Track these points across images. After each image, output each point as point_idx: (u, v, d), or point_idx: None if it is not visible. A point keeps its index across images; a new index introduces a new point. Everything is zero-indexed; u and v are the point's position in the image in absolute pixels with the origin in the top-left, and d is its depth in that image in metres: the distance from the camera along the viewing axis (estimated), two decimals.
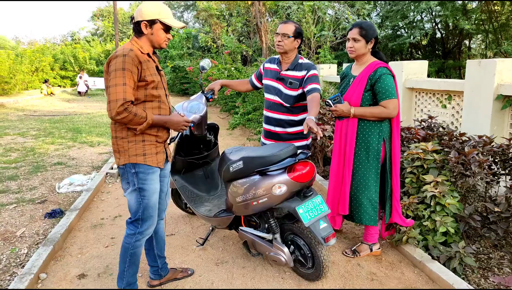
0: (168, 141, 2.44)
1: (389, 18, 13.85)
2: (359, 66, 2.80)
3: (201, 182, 3.42)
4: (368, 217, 2.81)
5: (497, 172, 3.18)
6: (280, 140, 3.03)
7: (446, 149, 3.30)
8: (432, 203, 2.97)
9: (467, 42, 16.60)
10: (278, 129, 3.06)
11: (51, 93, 19.15)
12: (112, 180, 5.17)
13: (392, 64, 5.19)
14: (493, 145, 3.14)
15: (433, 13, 14.20)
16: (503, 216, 2.86)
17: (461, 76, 14.61)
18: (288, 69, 2.97)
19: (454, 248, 2.77)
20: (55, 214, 3.88)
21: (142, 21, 2.17)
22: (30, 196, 4.46)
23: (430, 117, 3.97)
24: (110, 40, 34.87)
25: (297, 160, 2.41)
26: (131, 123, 2.10)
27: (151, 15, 2.15)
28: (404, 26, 14.59)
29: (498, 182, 3.20)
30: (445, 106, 4.68)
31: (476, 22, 13.35)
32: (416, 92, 5.20)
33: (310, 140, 3.07)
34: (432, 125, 3.95)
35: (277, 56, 3.13)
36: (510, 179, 3.14)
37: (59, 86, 24.83)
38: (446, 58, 15.42)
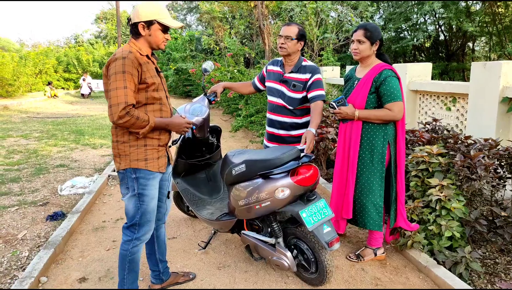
0: (169, 144, 2.41)
1: (392, 20, 13.83)
2: (363, 68, 2.77)
3: (203, 185, 3.39)
4: (372, 221, 2.77)
5: (503, 176, 3.13)
6: (284, 143, 3.00)
7: (451, 152, 3.26)
8: (437, 207, 2.93)
9: (470, 44, 16.56)
10: (281, 132, 3.03)
11: (55, 95, 19.22)
12: (114, 182, 5.15)
13: (395, 67, 5.15)
14: (499, 148, 3.10)
15: (437, 15, 14.18)
16: (510, 221, 2.81)
17: (464, 78, 14.56)
18: (291, 72, 2.94)
19: (460, 253, 2.73)
20: (57, 217, 3.86)
21: (139, 22, 2.12)
22: (32, 198, 4.45)
23: (435, 120, 3.93)
24: (114, 43, 35.03)
25: (300, 163, 2.38)
26: (133, 127, 2.07)
27: (148, 16, 2.11)
28: (407, 28, 14.57)
29: (504, 186, 3.15)
30: (449, 109, 4.64)
31: (480, 24, 13.31)
32: (420, 94, 5.17)
33: (316, 131, 3.02)
34: (437, 128, 3.91)
35: (280, 58, 3.11)
36: None
37: (63, 88, 24.94)
38: (450, 61, 15.38)
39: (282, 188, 2.35)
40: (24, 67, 18.64)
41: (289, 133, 3.00)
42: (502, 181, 3.15)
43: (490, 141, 3.15)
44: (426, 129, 3.94)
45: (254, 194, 2.43)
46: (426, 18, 14.42)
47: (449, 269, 2.72)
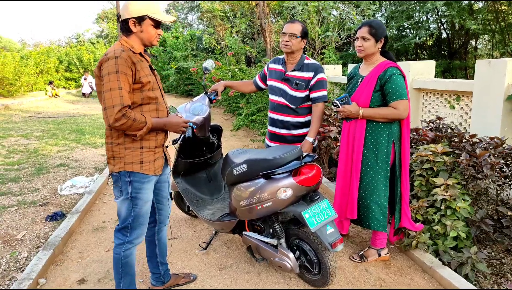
0: (166, 145, 2.34)
1: (394, 18, 13.74)
2: (367, 66, 2.71)
3: (204, 184, 3.35)
4: (376, 222, 2.72)
5: (509, 175, 3.08)
6: (286, 143, 2.95)
7: (456, 151, 3.20)
8: (442, 207, 2.87)
9: (473, 42, 16.45)
10: (283, 131, 2.98)
11: (56, 94, 19.20)
12: None
13: (399, 65, 5.09)
14: (504, 147, 3.04)
15: (439, 13, 14.08)
16: None
17: (467, 76, 14.47)
18: (294, 70, 2.89)
19: (466, 254, 2.68)
20: (57, 217, 3.82)
21: (129, 18, 2.03)
22: (32, 198, 4.41)
23: (439, 118, 3.88)
24: (115, 42, 34.99)
25: (303, 163, 2.33)
26: (130, 129, 1.99)
27: (139, 11, 2.02)
28: (410, 26, 14.48)
29: (510, 185, 3.10)
30: (453, 107, 4.58)
31: (482, 22, 13.20)
32: (424, 92, 5.10)
33: (316, 142, 2.99)
34: (440, 126, 3.85)
35: (281, 57, 3.06)
36: None
37: (64, 87, 24.93)
38: (452, 59, 15.28)
39: (284, 188, 2.30)
40: (25, 67, 18.62)
41: (291, 132, 2.95)
42: (507, 180, 3.09)
43: (495, 139, 3.10)
44: (430, 127, 3.89)
45: (255, 194, 2.38)
46: (428, 16, 14.32)
47: (455, 270, 2.67)
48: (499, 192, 3.15)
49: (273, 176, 2.35)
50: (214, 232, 3.25)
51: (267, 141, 3.16)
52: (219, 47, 14.51)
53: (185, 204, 3.59)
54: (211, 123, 3.15)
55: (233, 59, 11.45)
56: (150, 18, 2.05)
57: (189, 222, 3.73)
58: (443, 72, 13.95)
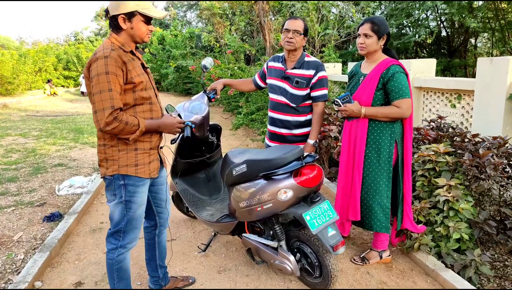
0: (161, 146, 2.27)
1: (394, 16, 13.69)
2: (369, 63, 2.66)
3: (203, 185, 3.30)
4: (379, 223, 2.67)
5: None
6: (286, 142, 2.90)
7: (458, 151, 3.15)
8: (445, 208, 2.83)
9: (473, 40, 16.41)
10: (283, 130, 2.93)
11: (54, 93, 19.14)
12: None
13: None
14: (507, 147, 3.00)
15: (439, 11, 14.03)
16: None
17: (467, 74, 14.44)
18: (294, 68, 2.84)
19: (469, 256, 2.63)
20: (54, 218, 3.77)
21: (119, 15, 1.93)
22: (29, 198, 4.36)
23: (440, 117, 3.83)
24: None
25: (304, 164, 2.28)
26: (122, 133, 1.91)
27: (128, 7, 1.91)
28: (409, 24, 14.43)
29: None
30: (454, 106, 4.54)
31: (482, 20, 13.15)
32: (424, 91, 5.06)
33: (317, 142, 2.94)
34: (442, 126, 3.81)
35: (281, 54, 3.00)
36: None
37: (62, 86, 24.85)
38: (452, 57, 15.24)
39: (284, 189, 2.25)
40: (23, 65, 18.54)
41: (292, 132, 2.90)
42: (511, 180, 3.05)
43: (498, 139, 3.05)
44: (431, 126, 3.84)
45: (255, 195, 2.33)
46: (428, 14, 14.26)
47: (458, 273, 2.62)
48: (502, 193, 3.11)
49: (273, 177, 2.30)
50: (213, 233, 3.21)
51: (267, 141, 3.11)
52: (218, 45, 14.45)
53: (183, 204, 3.54)
54: (210, 122, 3.10)
55: (232, 58, 11.40)
56: (140, 13, 1.95)
57: (188, 223, 3.69)
58: (442, 71, 13.91)
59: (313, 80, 2.79)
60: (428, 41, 16.50)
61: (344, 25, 11.01)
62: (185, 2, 29.20)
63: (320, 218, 2.27)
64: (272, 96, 2.98)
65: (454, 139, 3.39)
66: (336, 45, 11.93)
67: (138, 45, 2.10)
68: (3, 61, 16.40)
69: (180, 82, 17.70)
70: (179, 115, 2.38)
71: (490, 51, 16.14)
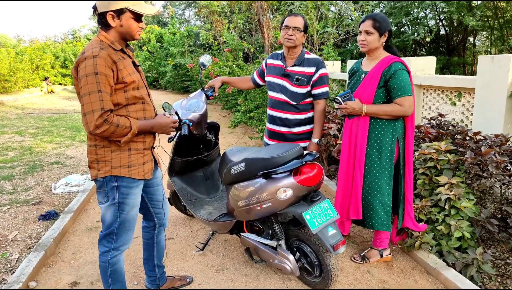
0: (154, 146, 2.20)
1: (393, 14, 13.65)
2: (370, 61, 2.61)
3: (200, 183, 3.25)
4: (380, 222, 2.63)
5: None
6: (285, 141, 2.85)
7: (460, 149, 3.12)
8: (446, 206, 2.79)
9: (471, 39, 16.39)
10: (283, 129, 2.88)
11: (51, 91, 19.02)
12: None
13: None
14: (509, 145, 2.96)
15: (438, 10, 14.00)
16: None
17: (465, 73, 14.42)
18: (294, 65, 2.79)
19: (471, 255, 2.60)
20: (50, 216, 3.72)
21: (107, 12, 1.83)
22: (25, 197, 4.31)
23: (441, 115, 3.79)
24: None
25: (303, 162, 2.23)
26: (113, 135, 1.84)
27: (117, 3, 1.82)
28: (408, 22, 14.40)
29: None
30: (454, 104, 4.50)
31: (481, 18, 13.13)
32: (424, 89, 5.02)
33: (321, 140, 2.90)
34: (442, 123, 3.77)
35: (280, 52, 2.95)
36: None
37: (60, 84, 24.74)
38: (451, 55, 15.23)
39: (284, 188, 2.21)
40: (20, 63, 18.40)
41: (291, 130, 2.86)
42: None
43: (501, 137, 3.01)
44: (431, 124, 3.80)
45: (254, 194, 2.29)
46: (427, 13, 14.23)
47: (460, 272, 2.59)
48: (503, 191, 3.07)
49: (272, 176, 2.25)
50: (211, 232, 3.16)
51: (265, 139, 3.06)
52: (216, 43, 14.38)
53: (181, 203, 3.50)
54: (208, 120, 3.05)
55: (231, 56, 11.33)
56: (130, 10, 1.86)
57: (185, 221, 3.64)
58: (441, 69, 13.89)
59: (314, 78, 2.74)
60: (427, 40, 16.48)
61: (343, 23, 10.95)
62: (183, 0, 29.09)
63: (320, 217, 2.23)
64: (271, 94, 2.93)
65: (455, 137, 3.35)
66: (335, 43, 11.89)
67: (130, 42, 2.02)
68: (0, 59, 16.29)
69: (178, 80, 17.64)
70: (176, 113, 2.32)
71: (489, 49, 16.13)
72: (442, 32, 15.85)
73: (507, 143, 2.98)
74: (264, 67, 3.05)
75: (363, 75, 2.59)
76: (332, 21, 10.78)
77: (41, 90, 18.72)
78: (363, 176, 2.62)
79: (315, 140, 2.82)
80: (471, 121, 4.11)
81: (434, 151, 3.00)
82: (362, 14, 11.01)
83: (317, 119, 2.82)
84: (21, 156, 6.12)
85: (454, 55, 15.31)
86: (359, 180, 2.62)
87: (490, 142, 2.99)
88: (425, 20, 14.27)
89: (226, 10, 15.67)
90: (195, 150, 3.17)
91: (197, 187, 3.22)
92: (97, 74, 1.76)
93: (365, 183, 2.63)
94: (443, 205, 2.81)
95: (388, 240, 2.86)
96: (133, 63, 2.03)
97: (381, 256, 2.85)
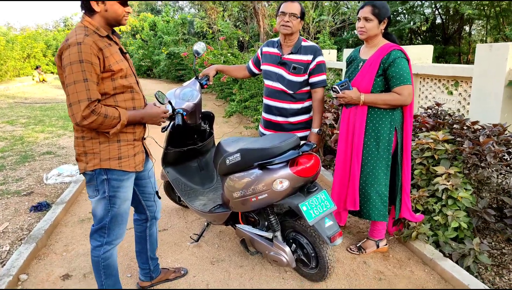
0: (145, 136, 2.12)
1: (389, 3, 13.52)
2: (369, 48, 2.54)
3: (195, 174, 3.20)
4: (377, 212, 2.59)
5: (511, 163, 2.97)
6: (282, 131, 2.79)
7: (458, 139, 3.09)
8: (443, 197, 2.77)
9: (467, 28, 16.33)
10: (279, 118, 2.82)
11: (43, 80, 18.74)
12: None
13: None
14: (507, 134, 2.93)
15: None
16: None
17: (461, 61, 14.40)
18: (291, 53, 2.71)
19: (467, 245, 2.58)
20: (41, 207, 3.66)
21: None
22: (16, 187, 4.23)
23: (438, 104, 3.75)
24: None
25: (300, 153, 2.18)
26: (101, 127, 1.76)
27: None
28: (404, 11, 14.28)
29: None
30: (451, 93, 4.46)
31: (477, 7, 13.05)
32: (421, 78, 4.97)
33: (321, 130, 2.84)
34: (439, 113, 3.73)
35: (276, 39, 2.88)
36: None
37: (52, 72, 24.39)
38: (447, 44, 15.17)
39: (280, 179, 2.16)
40: (11, 51, 18.09)
41: (288, 119, 2.80)
42: (509, 168, 2.99)
43: (498, 126, 2.98)
44: (428, 114, 3.77)
45: (250, 185, 2.24)
46: (423, 1, 14.13)
47: (456, 262, 2.58)
48: (501, 181, 3.06)
49: (268, 166, 2.20)
50: (206, 223, 3.12)
51: (261, 129, 3.00)
52: (211, 31, 14.17)
53: (175, 194, 3.45)
54: (203, 110, 2.98)
55: (225, 44, 11.18)
56: None
57: (180, 212, 3.59)
58: (437, 58, 13.86)
59: (312, 66, 2.68)
60: (423, 28, 16.39)
61: (339, 12, 10.84)
62: None
63: (317, 209, 2.19)
64: (267, 82, 2.86)
65: (453, 126, 3.32)
66: (331, 31, 11.77)
67: (115, 28, 1.92)
68: None
69: (172, 69, 17.43)
70: (170, 102, 2.25)
71: (484, 38, 16.09)
72: (438, 20, 15.77)
73: (505, 133, 2.95)
74: (260, 55, 2.98)
75: (361, 63, 2.53)
76: (328, 9, 10.66)
77: (33, 79, 18.43)
78: (360, 166, 2.58)
79: (315, 129, 2.76)
80: (468, 111, 4.08)
81: (431, 140, 2.97)
82: (358, 3, 10.88)
83: (316, 108, 2.76)
84: (12, 146, 6.01)
85: (450, 44, 15.27)
86: (356, 170, 2.57)
87: (488, 132, 2.96)
88: (421, 9, 14.17)
89: None
90: (189, 140, 3.10)
91: (192, 177, 3.16)
92: (82, 62, 1.67)
93: (362, 173, 2.59)
94: (440, 195, 2.79)
95: (385, 230, 2.84)
96: (120, 50, 1.94)
97: (378, 246, 2.83)
